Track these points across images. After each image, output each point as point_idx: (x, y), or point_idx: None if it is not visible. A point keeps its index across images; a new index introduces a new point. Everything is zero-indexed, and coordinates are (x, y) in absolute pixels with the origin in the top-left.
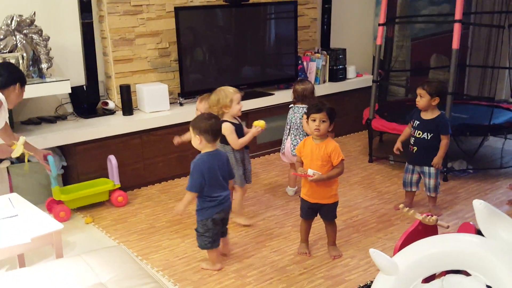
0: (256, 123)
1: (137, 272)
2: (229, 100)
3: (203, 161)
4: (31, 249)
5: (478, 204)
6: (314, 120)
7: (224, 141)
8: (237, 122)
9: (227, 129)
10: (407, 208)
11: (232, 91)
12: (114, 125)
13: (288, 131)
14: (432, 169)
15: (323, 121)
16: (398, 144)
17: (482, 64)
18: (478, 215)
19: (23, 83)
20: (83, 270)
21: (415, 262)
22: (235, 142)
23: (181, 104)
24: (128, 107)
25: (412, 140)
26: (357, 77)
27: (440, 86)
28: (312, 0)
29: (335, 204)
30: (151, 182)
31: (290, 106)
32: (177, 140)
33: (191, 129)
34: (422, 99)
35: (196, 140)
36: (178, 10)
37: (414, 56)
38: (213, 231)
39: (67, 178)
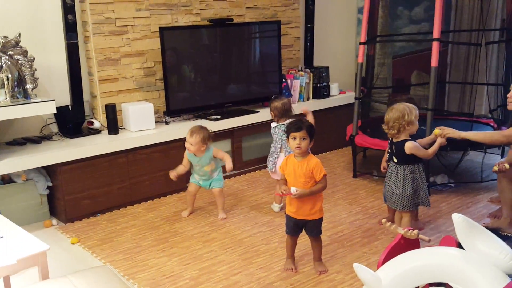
0: (436, 131)
1: None
2: (414, 116)
3: None
4: (17, 271)
5: (457, 218)
6: (295, 139)
7: (408, 161)
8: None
9: (414, 147)
10: (389, 223)
11: (415, 107)
12: (100, 144)
13: (278, 149)
14: None
15: (303, 139)
16: (383, 164)
17: (462, 80)
18: (457, 229)
19: None
20: None
21: (398, 276)
22: (427, 153)
23: (166, 123)
24: (113, 126)
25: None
26: (341, 94)
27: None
28: (295, 19)
29: (320, 220)
30: (137, 201)
31: (274, 125)
32: (173, 174)
33: None
34: None
35: None
36: (163, 30)
37: (395, 73)
38: None
39: (52, 199)
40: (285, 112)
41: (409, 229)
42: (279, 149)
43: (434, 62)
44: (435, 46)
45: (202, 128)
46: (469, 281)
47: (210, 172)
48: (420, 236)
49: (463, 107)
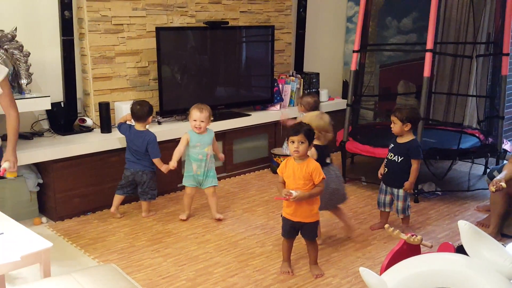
0: None
1: None
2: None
3: None
4: (18, 268)
5: (463, 225)
6: (293, 142)
7: None
8: None
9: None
10: (392, 228)
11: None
12: (92, 142)
13: None
14: (401, 191)
15: (302, 143)
16: (381, 169)
17: (447, 91)
18: (463, 235)
19: None
20: None
21: (403, 280)
22: None
23: (159, 123)
24: (106, 125)
25: (385, 162)
26: (329, 101)
27: (411, 112)
28: (287, 25)
29: (316, 223)
30: (128, 201)
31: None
32: (172, 164)
33: None
34: (395, 125)
35: None
36: (159, 30)
37: (382, 82)
38: None
39: (42, 196)
40: (314, 108)
41: (412, 235)
42: None
43: (426, 72)
44: (428, 57)
45: (203, 104)
46: (473, 286)
47: (208, 156)
48: (423, 242)
49: (448, 117)
